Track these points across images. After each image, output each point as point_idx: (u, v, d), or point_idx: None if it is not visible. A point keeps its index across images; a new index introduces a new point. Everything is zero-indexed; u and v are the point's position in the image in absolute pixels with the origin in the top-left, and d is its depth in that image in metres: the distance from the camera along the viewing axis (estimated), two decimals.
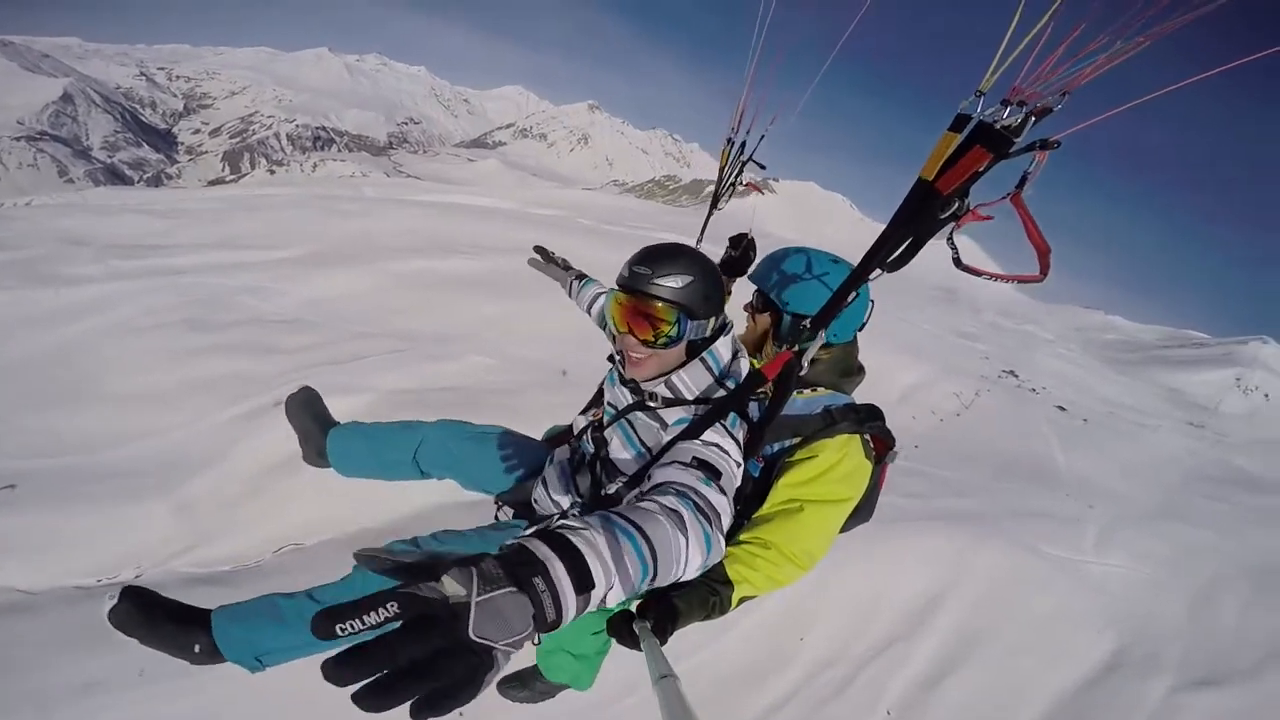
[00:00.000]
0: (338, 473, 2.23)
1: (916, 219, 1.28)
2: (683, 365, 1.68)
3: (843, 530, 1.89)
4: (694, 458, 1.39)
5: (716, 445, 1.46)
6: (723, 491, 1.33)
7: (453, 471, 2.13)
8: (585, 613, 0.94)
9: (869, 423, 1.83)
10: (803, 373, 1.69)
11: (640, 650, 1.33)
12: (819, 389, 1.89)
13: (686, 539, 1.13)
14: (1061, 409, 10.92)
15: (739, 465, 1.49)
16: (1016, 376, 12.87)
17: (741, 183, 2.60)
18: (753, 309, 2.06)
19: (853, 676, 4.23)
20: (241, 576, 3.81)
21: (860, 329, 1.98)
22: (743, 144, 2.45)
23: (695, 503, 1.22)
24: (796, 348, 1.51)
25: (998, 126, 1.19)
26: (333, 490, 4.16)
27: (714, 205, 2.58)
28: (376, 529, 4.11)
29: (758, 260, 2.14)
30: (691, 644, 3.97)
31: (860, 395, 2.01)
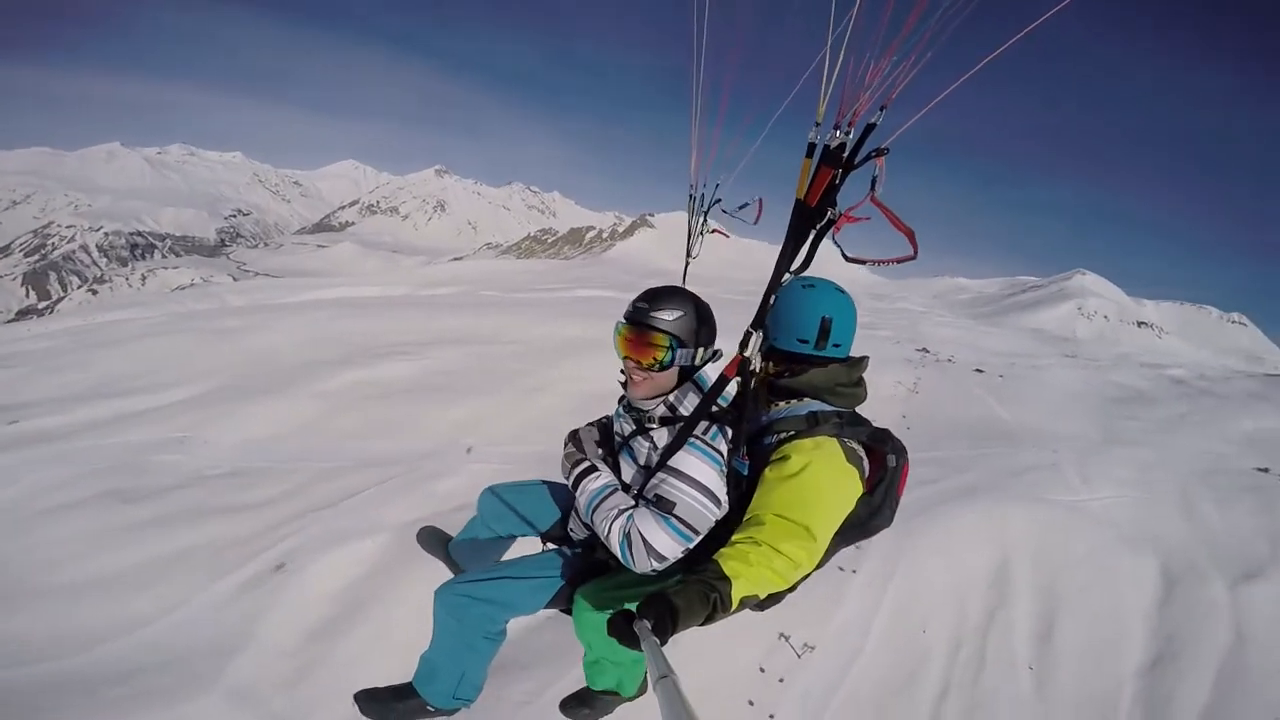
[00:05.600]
0: None
1: (802, 230, 1.61)
2: (676, 388, 2.05)
3: (867, 535, 2.00)
4: (655, 495, 1.89)
5: (681, 475, 1.87)
6: (679, 520, 1.84)
7: (507, 525, 2.51)
8: (580, 491, 2.05)
9: (849, 428, 1.89)
10: (786, 380, 1.98)
11: (640, 650, 1.40)
12: (805, 399, 1.99)
13: (610, 525, 1.90)
14: (980, 371, 12.10)
15: (708, 481, 1.86)
16: (929, 352, 14.12)
17: (709, 229, 2.87)
18: None
19: (983, 650, 4.45)
20: None
21: (837, 347, 2.00)
22: (702, 195, 2.68)
23: (633, 526, 1.87)
24: (746, 352, 1.84)
25: (832, 147, 1.49)
26: (390, 639, 3.72)
27: (689, 254, 2.85)
28: None
29: None
30: (831, 675, 4.11)
31: None
